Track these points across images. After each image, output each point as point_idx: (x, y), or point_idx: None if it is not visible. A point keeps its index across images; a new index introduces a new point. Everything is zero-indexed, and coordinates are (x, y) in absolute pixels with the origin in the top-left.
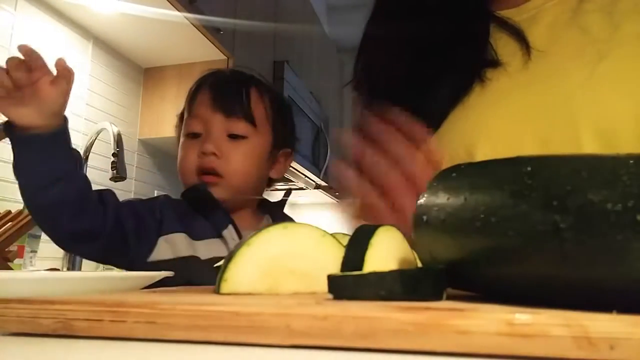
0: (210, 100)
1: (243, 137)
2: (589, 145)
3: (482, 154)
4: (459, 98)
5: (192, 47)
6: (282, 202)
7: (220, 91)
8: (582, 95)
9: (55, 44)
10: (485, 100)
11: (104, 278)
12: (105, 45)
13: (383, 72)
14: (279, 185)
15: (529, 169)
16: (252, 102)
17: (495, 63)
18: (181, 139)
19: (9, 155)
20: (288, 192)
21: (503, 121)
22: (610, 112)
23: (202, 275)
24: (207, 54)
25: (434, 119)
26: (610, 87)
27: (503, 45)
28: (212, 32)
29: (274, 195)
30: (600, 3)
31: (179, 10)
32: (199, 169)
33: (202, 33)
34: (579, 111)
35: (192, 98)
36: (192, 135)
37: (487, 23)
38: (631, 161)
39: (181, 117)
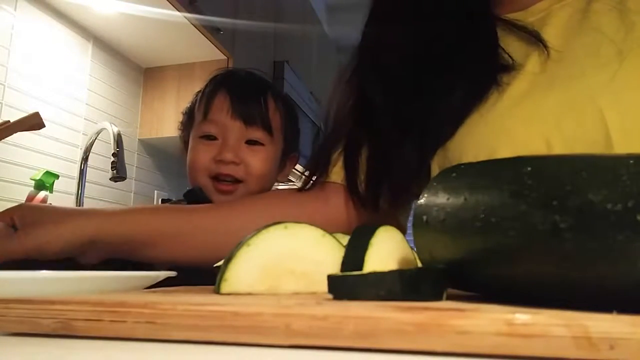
0: (230, 107)
1: (260, 144)
2: (620, 145)
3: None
4: (475, 104)
5: (192, 47)
6: None
7: (239, 98)
8: (607, 95)
9: (55, 44)
10: (503, 104)
11: (104, 278)
12: (105, 45)
13: (391, 81)
14: (279, 185)
15: (529, 169)
16: (269, 111)
17: (510, 67)
18: (192, 140)
19: (9, 155)
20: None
21: (526, 124)
22: (637, 110)
23: (185, 279)
24: (207, 54)
25: (449, 125)
26: (634, 86)
27: (515, 48)
28: (212, 32)
29: None
30: (609, 4)
31: (179, 10)
32: (216, 175)
33: (202, 33)
34: (605, 112)
35: (208, 101)
36: (207, 137)
37: (493, 27)
38: (631, 161)
39: (189, 114)
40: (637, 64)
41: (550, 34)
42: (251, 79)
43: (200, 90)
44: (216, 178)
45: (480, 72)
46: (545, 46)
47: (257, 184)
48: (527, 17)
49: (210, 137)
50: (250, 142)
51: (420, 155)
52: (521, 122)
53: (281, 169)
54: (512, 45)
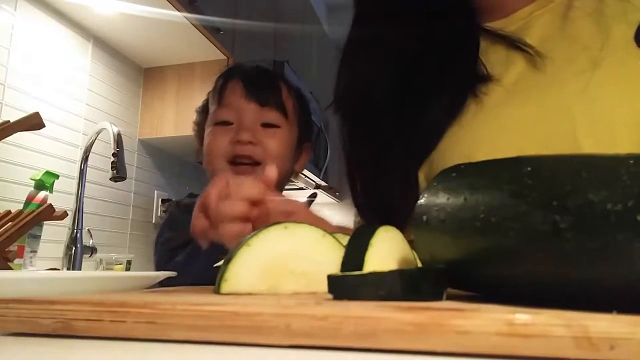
0: (244, 89)
1: (276, 126)
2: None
3: None
4: (454, 115)
5: (192, 47)
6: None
7: (253, 81)
8: (579, 104)
9: (55, 44)
10: (482, 115)
11: (104, 278)
12: (105, 45)
13: (368, 93)
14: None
15: (529, 169)
16: (282, 94)
17: (486, 78)
18: (208, 128)
19: (9, 155)
20: (313, 195)
21: (502, 135)
22: (608, 121)
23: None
24: (207, 54)
25: (429, 136)
26: (606, 95)
27: (497, 57)
28: (212, 32)
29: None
30: (587, 10)
31: (179, 10)
32: (234, 157)
33: (202, 33)
34: (578, 120)
35: (222, 88)
36: (222, 123)
37: (476, 37)
38: (631, 161)
39: (203, 110)
40: (609, 73)
41: (530, 43)
42: (261, 67)
43: (210, 91)
44: (233, 162)
45: (457, 84)
46: (532, 53)
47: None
48: (508, 25)
49: (225, 123)
50: (266, 125)
51: (405, 167)
52: (498, 132)
53: (297, 157)
54: (494, 55)
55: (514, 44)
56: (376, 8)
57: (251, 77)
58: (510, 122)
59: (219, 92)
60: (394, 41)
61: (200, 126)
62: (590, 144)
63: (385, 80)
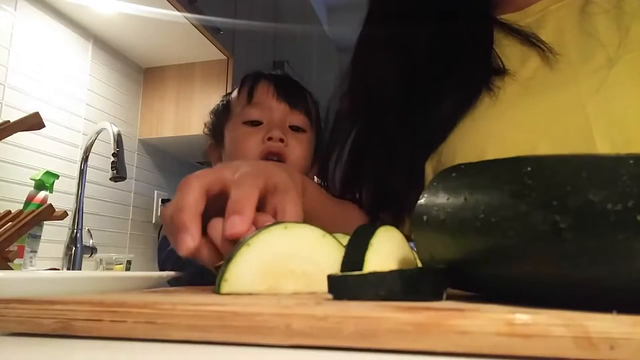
0: (275, 90)
1: (302, 130)
2: (605, 152)
3: None
4: (467, 108)
5: (192, 47)
6: None
7: (283, 84)
8: (594, 102)
9: (55, 44)
10: (495, 109)
11: (104, 278)
12: (105, 45)
13: (381, 86)
14: None
15: (529, 169)
16: (308, 100)
17: (501, 71)
18: (234, 129)
19: (9, 155)
20: None
21: (515, 130)
22: (622, 120)
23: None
24: (207, 54)
25: (440, 130)
26: (622, 94)
27: (513, 51)
28: (212, 32)
29: None
30: (605, 6)
31: (179, 10)
32: (265, 154)
33: (202, 33)
34: (592, 118)
35: (252, 87)
36: (251, 123)
37: (490, 29)
38: (631, 161)
39: (224, 111)
40: (626, 72)
41: (544, 37)
42: (289, 76)
43: (228, 93)
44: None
45: (472, 77)
46: (545, 49)
47: (298, 170)
48: (524, 18)
49: (254, 123)
50: (293, 129)
51: (413, 158)
52: (510, 128)
53: (310, 167)
54: (509, 48)
55: (528, 39)
56: (390, 1)
57: (281, 81)
58: (523, 118)
59: (250, 89)
60: (407, 34)
61: (216, 129)
62: (605, 143)
63: (399, 72)
